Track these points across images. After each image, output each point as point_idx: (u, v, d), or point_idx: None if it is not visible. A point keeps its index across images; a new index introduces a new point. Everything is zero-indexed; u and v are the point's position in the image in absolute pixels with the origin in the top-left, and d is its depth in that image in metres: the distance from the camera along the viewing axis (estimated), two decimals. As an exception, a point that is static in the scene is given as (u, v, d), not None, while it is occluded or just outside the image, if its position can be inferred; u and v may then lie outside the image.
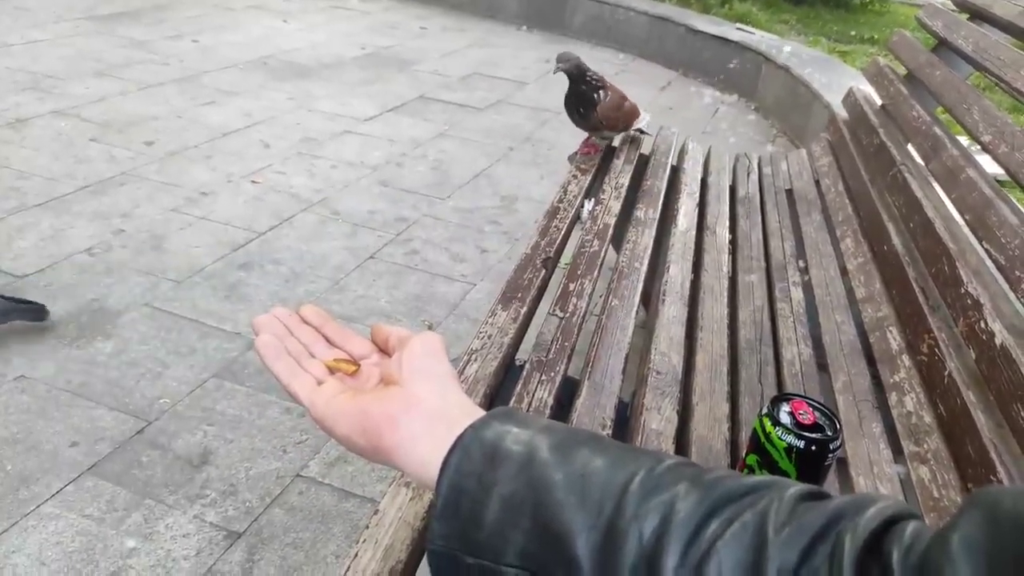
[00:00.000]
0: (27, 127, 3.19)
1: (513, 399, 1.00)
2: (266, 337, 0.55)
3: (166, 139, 3.20)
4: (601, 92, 1.78)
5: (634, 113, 1.88)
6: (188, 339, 1.99)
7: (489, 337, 1.10)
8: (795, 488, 0.41)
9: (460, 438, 0.45)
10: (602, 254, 1.42)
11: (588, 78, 1.77)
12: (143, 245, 2.42)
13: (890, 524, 0.38)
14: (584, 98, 1.78)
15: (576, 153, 1.91)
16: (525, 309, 1.19)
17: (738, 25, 5.11)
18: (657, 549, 0.39)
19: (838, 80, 3.75)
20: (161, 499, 1.52)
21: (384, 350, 0.58)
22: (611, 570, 0.39)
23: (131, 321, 2.04)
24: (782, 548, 0.37)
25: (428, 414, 0.48)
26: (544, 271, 1.31)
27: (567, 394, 1.05)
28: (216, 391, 1.82)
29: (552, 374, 1.05)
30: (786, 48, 4.50)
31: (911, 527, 0.38)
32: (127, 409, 1.74)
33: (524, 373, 1.05)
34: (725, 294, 1.36)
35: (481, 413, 0.48)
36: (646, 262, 1.42)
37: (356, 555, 0.74)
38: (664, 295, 1.30)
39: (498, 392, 1.02)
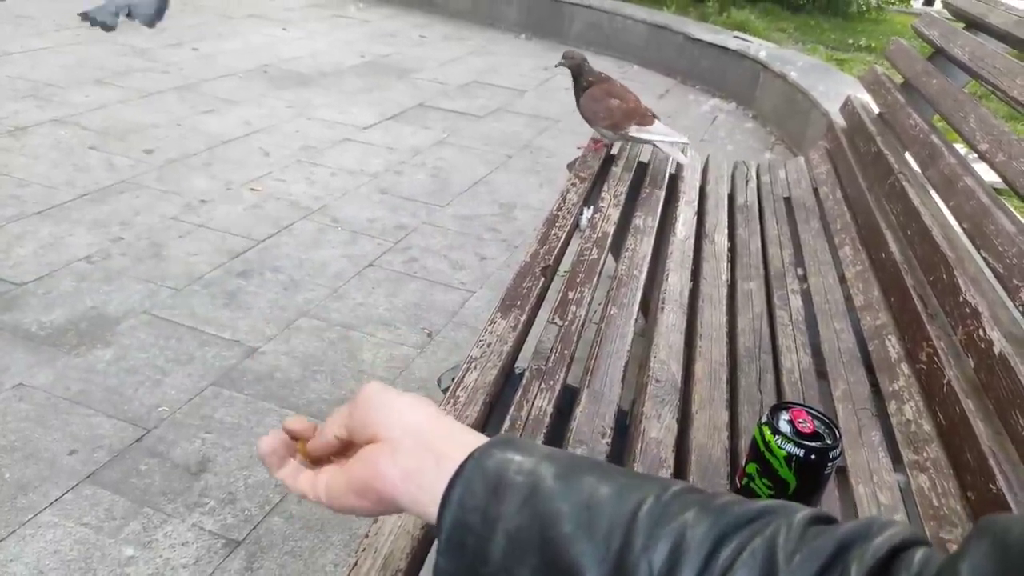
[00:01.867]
0: (27, 135, 3.20)
1: (512, 407, 1.00)
2: (266, 448, 0.55)
3: (166, 147, 3.21)
4: (589, 88, 1.83)
5: (626, 113, 1.84)
6: (187, 347, 1.99)
7: (488, 345, 1.10)
8: (803, 513, 0.41)
9: (461, 470, 0.44)
10: (601, 262, 1.42)
11: (584, 77, 1.84)
12: (142, 253, 2.42)
13: (899, 551, 0.38)
14: (577, 95, 1.87)
15: (576, 160, 1.91)
16: (524, 317, 1.19)
17: (736, 33, 5.13)
18: None
19: (835, 88, 3.76)
20: (160, 507, 1.52)
21: (348, 438, 0.54)
22: None
23: (130, 329, 2.04)
24: (793, 573, 0.38)
25: (409, 451, 0.46)
26: (543, 279, 1.31)
27: (567, 402, 1.05)
28: (214, 399, 1.82)
29: (552, 382, 1.05)
30: (779, 60, 4.51)
31: (920, 554, 0.38)
32: (126, 417, 1.74)
33: (524, 381, 1.05)
34: (724, 302, 1.37)
35: (459, 432, 0.47)
36: (645, 270, 1.42)
37: (356, 564, 0.74)
38: (663, 303, 1.30)
39: (498, 400, 1.02)
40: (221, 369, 1.92)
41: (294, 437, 0.56)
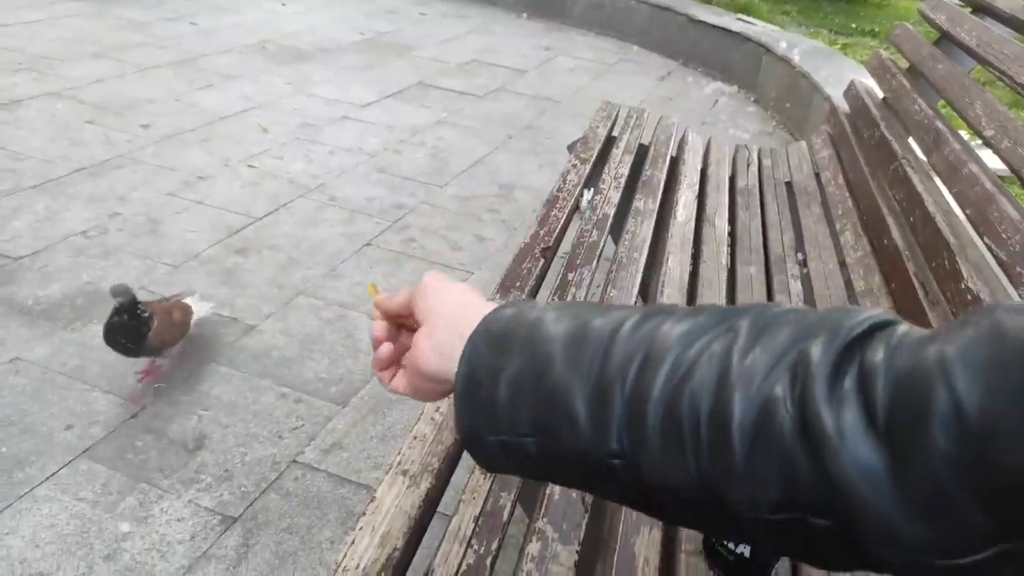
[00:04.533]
0: (23, 108, 3.17)
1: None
2: (382, 356, 0.58)
3: (163, 122, 3.18)
4: (150, 319, 1.65)
5: (187, 313, 1.79)
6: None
7: (487, 326, 1.09)
8: (773, 309, 0.41)
9: (472, 335, 0.49)
10: (601, 244, 1.41)
11: (138, 310, 1.64)
12: (139, 229, 2.40)
13: (877, 329, 0.37)
14: (131, 329, 1.63)
15: (577, 142, 1.90)
16: (524, 298, 1.18)
17: (739, 15, 5.09)
18: (638, 390, 0.41)
19: (838, 73, 3.73)
20: (156, 483, 1.52)
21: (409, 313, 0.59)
22: (603, 417, 0.42)
23: (127, 305, 2.03)
24: (746, 370, 0.38)
25: (442, 329, 0.52)
26: (543, 260, 1.30)
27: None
28: (212, 375, 1.82)
29: (550, 364, 1.04)
30: (782, 43, 4.48)
31: (901, 328, 0.36)
32: (122, 393, 1.73)
33: (522, 362, 1.05)
34: (724, 286, 1.36)
35: (485, 307, 0.52)
36: (645, 253, 1.41)
37: (352, 542, 0.74)
38: (663, 286, 1.30)
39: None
40: (218, 346, 1.92)
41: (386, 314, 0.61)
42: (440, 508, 0.83)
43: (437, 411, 0.92)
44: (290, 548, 1.42)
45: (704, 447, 0.38)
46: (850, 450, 0.33)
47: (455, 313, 0.52)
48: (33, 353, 1.82)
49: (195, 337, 1.86)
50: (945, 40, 1.78)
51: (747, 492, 0.37)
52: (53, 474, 1.51)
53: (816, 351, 0.36)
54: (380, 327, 0.59)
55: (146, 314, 1.65)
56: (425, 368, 0.52)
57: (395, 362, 0.58)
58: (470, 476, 0.85)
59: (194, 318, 1.82)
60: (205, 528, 1.44)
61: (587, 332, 0.45)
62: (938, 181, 1.39)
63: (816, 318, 0.39)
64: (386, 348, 0.58)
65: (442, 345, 0.51)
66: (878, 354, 0.35)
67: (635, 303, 1.26)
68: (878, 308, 0.40)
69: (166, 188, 2.67)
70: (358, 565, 0.71)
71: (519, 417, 0.45)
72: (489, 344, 0.48)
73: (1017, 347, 0.30)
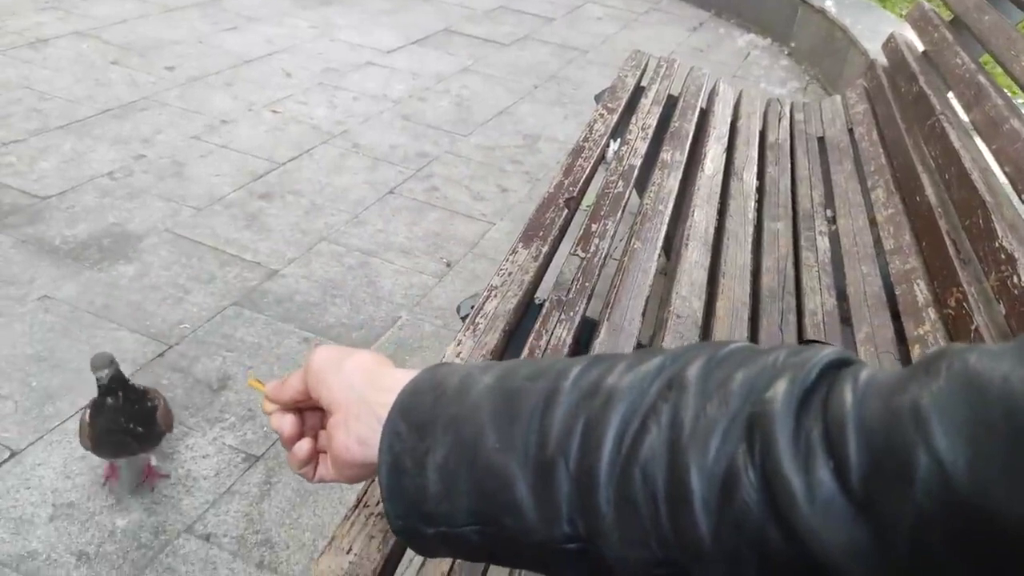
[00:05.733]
0: (48, 47, 3.16)
1: (532, 336, 1.00)
2: (301, 456, 0.54)
3: (187, 65, 3.17)
4: (151, 396, 1.35)
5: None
6: (208, 266, 2.01)
7: (509, 275, 1.09)
8: (720, 351, 0.39)
9: (389, 417, 0.45)
10: (626, 196, 1.39)
11: (132, 384, 1.30)
12: (164, 171, 2.41)
13: (836, 367, 0.35)
14: (141, 413, 1.30)
15: (604, 92, 1.86)
16: (546, 248, 1.18)
17: (776, -36, 4.90)
18: (584, 466, 0.38)
19: (876, 25, 3.61)
20: (182, 421, 1.55)
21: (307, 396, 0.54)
22: (550, 502, 0.39)
23: (152, 246, 2.06)
24: (699, 434, 0.35)
25: (358, 417, 0.47)
26: (567, 210, 1.29)
27: (585, 334, 1.05)
28: (236, 318, 1.84)
29: (571, 313, 1.04)
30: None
31: (864, 373, 0.34)
32: (148, 332, 1.76)
33: (543, 311, 1.05)
34: (750, 241, 1.34)
35: (399, 381, 0.47)
36: (670, 205, 1.39)
37: (374, 480, 0.75)
38: (687, 239, 1.28)
39: (517, 328, 1.02)
40: (242, 289, 1.94)
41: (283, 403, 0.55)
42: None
43: (458, 358, 0.93)
44: (311, 487, 1.45)
45: (666, 526, 0.36)
46: (824, 518, 0.31)
47: (366, 394, 0.47)
48: (61, 292, 1.85)
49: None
50: (993, -10, 1.71)
51: (719, 570, 0.35)
52: (82, 408, 1.55)
53: (774, 403, 0.34)
54: (288, 423, 0.53)
55: (141, 388, 1.32)
56: (351, 460, 0.48)
57: (315, 455, 0.53)
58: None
59: None
60: (229, 465, 1.48)
61: (519, 399, 0.41)
62: (977, 138, 1.35)
63: (770, 359, 0.37)
64: (305, 446, 0.52)
65: (362, 434, 0.46)
66: (844, 402, 0.32)
67: (658, 257, 1.24)
68: (833, 346, 0.38)
69: (191, 131, 2.67)
70: (378, 502, 0.73)
71: (456, 507, 0.42)
72: (409, 425, 0.44)
73: (997, 398, 0.28)
